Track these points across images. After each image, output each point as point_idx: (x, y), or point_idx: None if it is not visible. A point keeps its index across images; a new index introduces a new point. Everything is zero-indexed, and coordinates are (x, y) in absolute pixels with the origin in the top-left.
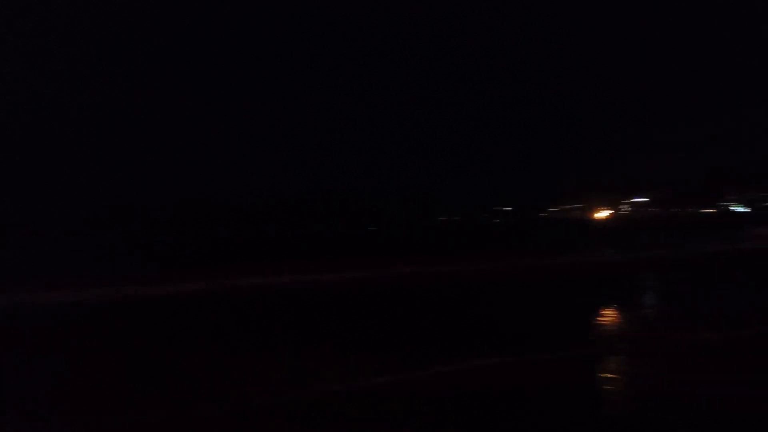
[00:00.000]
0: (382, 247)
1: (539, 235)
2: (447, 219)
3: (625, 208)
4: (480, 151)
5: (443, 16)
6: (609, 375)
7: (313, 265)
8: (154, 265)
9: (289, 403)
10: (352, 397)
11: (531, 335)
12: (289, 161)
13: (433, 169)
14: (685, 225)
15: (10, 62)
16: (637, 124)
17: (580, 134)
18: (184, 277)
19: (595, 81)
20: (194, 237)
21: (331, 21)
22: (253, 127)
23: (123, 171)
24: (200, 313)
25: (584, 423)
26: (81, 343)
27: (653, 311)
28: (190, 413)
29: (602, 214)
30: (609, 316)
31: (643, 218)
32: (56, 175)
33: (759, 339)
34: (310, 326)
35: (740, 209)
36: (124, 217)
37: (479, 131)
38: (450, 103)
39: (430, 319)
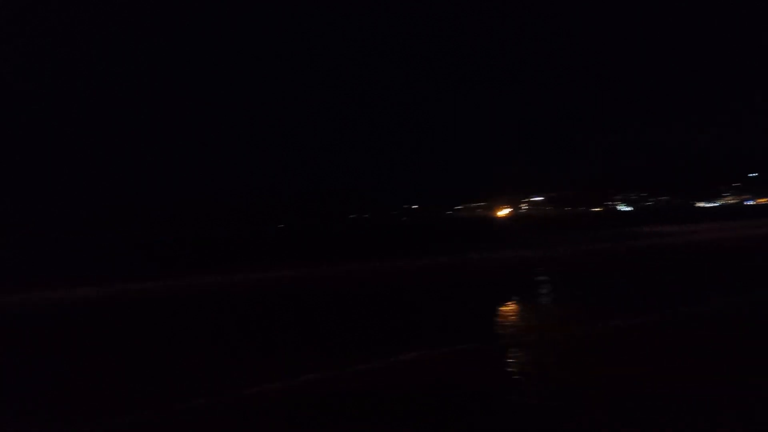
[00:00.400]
0: (284, 248)
1: (445, 233)
2: (357, 216)
3: (524, 207)
4: (389, 151)
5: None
6: (512, 366)
7: (221, 268)
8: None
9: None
10: (279, 397)
11: (437, 331)
12: (197, 163)
13: (344, 167)
14: (577, 223)
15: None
16: (535, 128)
17: (484, 137)
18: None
19: (498, 88)
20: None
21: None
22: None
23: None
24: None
25: (490, 408)
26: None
27: (551, 306)
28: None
29: (503, 212)
30: (509, 311)
31: (540, 216)
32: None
33: (641, 327)
34: (234, 329)
35: (625, 208)
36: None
37: (390, 132)
38: (366, 103)
39: (350, 318)
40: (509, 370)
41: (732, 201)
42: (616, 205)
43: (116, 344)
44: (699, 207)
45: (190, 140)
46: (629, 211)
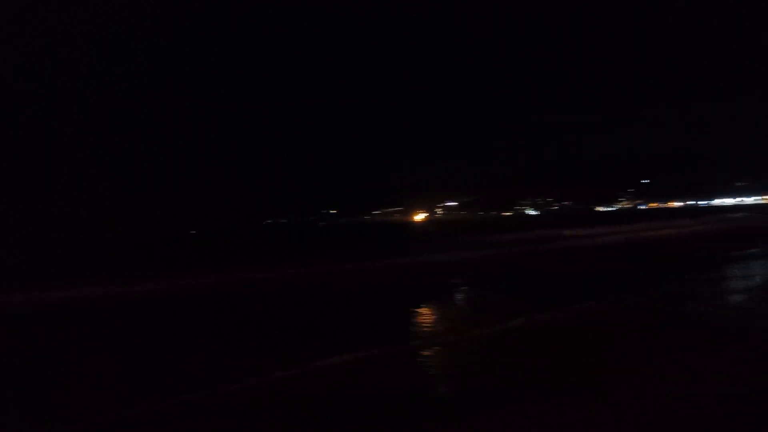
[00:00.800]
0: (194, 253)
1: (364, 238)
2: (273, 222)
3: (439, 212)
4: (307, 155)
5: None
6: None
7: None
8: None
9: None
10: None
11: (361, 334)
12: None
13: (261, 172)
14: (489, 227)
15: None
16: (447, 135)
17: (399, 144)
18: None
19: (407, 94)
20: None
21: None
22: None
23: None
24: None
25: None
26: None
27: (459, 309)
28: None
29: (420, 216)
30: (421, 314)
31: (454, 221)
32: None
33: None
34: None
35: (532, 212)
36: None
37: (307, 136)
38: (283, 107)
39: (269, 324)
40: (421, 368)
41: (627, 205)
42: (525, 209)
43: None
44: (599, 211)
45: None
46: (537, 215)
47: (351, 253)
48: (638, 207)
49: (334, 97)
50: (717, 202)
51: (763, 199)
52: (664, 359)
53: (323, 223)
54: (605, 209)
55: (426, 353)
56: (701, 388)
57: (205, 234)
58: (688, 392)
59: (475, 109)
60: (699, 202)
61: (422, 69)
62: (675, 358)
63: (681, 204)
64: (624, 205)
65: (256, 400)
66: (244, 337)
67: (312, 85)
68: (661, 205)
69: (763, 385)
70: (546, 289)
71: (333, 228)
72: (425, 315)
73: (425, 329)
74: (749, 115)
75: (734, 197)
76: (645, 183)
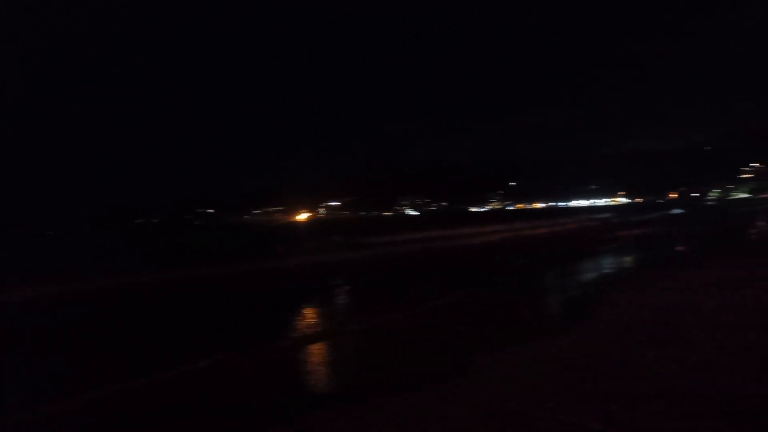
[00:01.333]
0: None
1: (240, 238)
2: (144, 221)
3: (322, 211)
4: (179, 154)
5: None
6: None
7: None
8: None
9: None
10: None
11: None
12: None
13: (132, 170)
14: (369, 227)
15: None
16: (330, 136)
17: (278, 141)
18: None
19: (283, 94)
20: None
21: None
22: None
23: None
24: None
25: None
26: None
27: (340, 307)
28: None
29: (302, 216)
30: (306, 313)
31: (337, 220)
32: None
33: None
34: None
35: (412, 212)
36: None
37: (180, 135)
38: (162, 106)
39: (141, 329)
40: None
41: (497, 206)
42: (405, 209)
43: None
44: (472, 211)
45: None
46: (416, 215)
47: (221, 254)
48: (507, 207)
49: (223, 97)
50: (573, 203)
51: (612, 200)
52: (517, 346)
53: (198, 223)
54: (478, 209)
55: (274, 356)
56: (540, 366)
57: (64, 235)
58: (529, 369)
59: (357, 110)
60: (558, 204)
61: (314, 69)
62: (527, 344)
63: (544, 205)
64: (494, 206)
65: (106, 410)
66: (98, 348)
67: (205, 85)
68: (527, 206)
69: (586, 360)
70: (419, 286)
71: (207, 228)
72: (290, 317)
73: (285, 331)
74: (603, 125)
75: (588, 199)
76: (512, 185)
